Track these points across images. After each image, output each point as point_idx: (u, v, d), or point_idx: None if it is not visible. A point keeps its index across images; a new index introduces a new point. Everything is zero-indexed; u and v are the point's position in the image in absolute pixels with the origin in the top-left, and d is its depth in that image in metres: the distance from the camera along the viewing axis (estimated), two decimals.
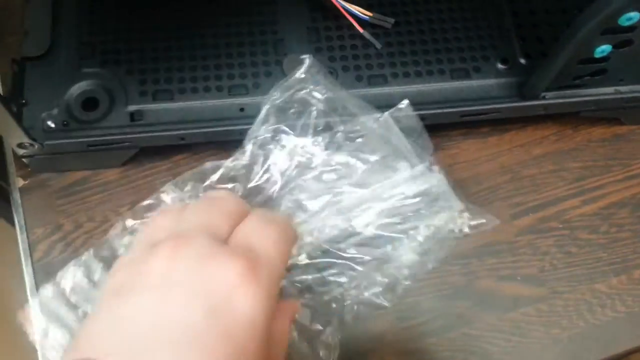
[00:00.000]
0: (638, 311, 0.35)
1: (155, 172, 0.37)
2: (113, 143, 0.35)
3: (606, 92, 0.36)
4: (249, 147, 0.33)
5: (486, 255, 0.36)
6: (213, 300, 0.23)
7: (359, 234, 0.34)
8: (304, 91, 0.35)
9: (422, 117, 0.36)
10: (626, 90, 0.37)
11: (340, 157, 0.34)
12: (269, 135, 0.34)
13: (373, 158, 0.34)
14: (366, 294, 0.33)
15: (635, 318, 0.35)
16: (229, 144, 0.36)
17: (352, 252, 0.34)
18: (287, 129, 0.34)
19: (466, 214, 0.34)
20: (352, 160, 0.34)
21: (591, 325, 0.35)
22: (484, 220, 0.34)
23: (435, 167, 0.34)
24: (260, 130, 0.34)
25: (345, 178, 0.34)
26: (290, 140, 0.34)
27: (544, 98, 0.36)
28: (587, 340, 0.34)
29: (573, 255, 0.36)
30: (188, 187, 0.33)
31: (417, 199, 0.34)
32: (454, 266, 0.36)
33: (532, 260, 0.36)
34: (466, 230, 0.34)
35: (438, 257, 0.34)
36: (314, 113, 0.35)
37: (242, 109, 0.36)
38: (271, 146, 0.34)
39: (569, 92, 0.36)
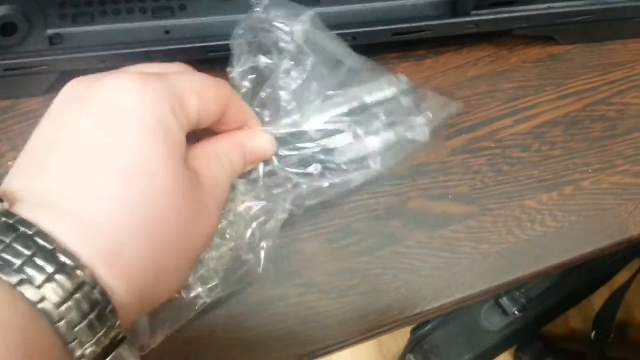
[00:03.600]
0: (568, 226, 0.36)
1: None
2: (31, 66, 0.34)
3: (538, 7, 0.36)
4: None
5: (418, 175, 0.36)
6: (105, 110, 0.23)
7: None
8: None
9: (353, 37, 0.35)
10: (558, 5, 0.36)
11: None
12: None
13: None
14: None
15: (565, 232, 0.36)
16: None
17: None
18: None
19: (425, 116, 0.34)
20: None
21: (520, 240, 0.35)
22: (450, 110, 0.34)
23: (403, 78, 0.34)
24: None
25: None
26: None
27: (474, 15, 0.36)
28: (516, 254, 0.35)
29: (504, 174, 0.37)
30: None
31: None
32: (386, 187, 0.36)
33: (463, 179, 0.36)
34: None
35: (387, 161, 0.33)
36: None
37: (167, 32, 0.35)
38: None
39: (500, 9, 0.36)
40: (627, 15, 0.38)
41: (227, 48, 0.34)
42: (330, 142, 0.32)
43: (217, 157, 0.28)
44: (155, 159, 0.23)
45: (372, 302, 0.33)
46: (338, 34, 0.35)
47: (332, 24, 0.35)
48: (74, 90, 0.25)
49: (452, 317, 0.83)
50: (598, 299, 0.96)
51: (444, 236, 0.35)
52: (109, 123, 0.23)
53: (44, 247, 0.19)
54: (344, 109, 0.33)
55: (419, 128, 0.34)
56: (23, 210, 0.20)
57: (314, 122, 0.32)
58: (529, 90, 0.39)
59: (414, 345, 0.85)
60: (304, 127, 0.32)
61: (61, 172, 0.22)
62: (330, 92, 0.33)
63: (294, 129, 0.32)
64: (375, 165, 0.33)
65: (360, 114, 0.33)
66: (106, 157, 0.22)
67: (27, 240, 0.19)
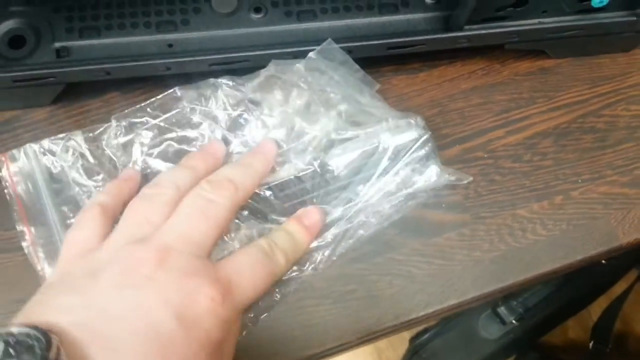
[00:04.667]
0: (559, 234, 0.37)
1: (86, 110, 0.37)
2: (39, 78, 0.35)
3: (529, 23, 0.37)
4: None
5: None
6: (182, 310, 0.25)
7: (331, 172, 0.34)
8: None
9: (350, 50, 0.37)
10: (549, 21, 0.38)
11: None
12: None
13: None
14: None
15: (556, 241, 0.36)
16: (159, 82, 0.37)
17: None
18: None
19: (443, 175, 0.35)
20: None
21: (512, 247, 0.36)
22: (455, 178, 0.36)
23: (420, 122, 0.35)
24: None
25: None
26: None
27: (467, 30, 0.37)
28: (508, 261, 0.36)
29: (496, 183, 0.38)
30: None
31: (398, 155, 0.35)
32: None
33: (457, 188, 0.37)
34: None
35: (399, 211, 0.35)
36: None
37: (170, 45, 0.37)
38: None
39: (492, 24, 0.37)
40: (616, 31, 0.39)
41: (228, 61, 0.36)
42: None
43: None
44: None
45: (368, 308, 0.34)
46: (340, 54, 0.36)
47: (328, 37, 0.37)
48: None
49: (450, 326, 0.84)
50: (597, 309, 0.97)
51: (437, 244, 0.36)
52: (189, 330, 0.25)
53: None
54: (364, 149, 0.34)
55: (431, 176, 0.35)
56: None
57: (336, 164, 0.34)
58: (521, 102, 0.40)
59: (412, 354, 0.86)
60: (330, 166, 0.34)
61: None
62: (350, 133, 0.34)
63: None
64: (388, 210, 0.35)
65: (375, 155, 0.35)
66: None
67: None
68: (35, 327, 0.21)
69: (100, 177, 0.34)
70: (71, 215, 0.33)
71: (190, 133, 0.34)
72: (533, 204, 0.37)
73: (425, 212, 0.37)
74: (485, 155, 0.38)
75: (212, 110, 0.35)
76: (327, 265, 0.34)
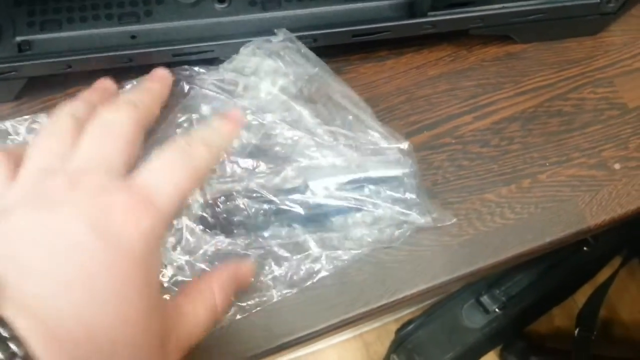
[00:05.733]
0: (527, 218, 0.37)
1: (50, 105, 0.37)
2: (1, 73, 0.34)
3: (493, 7, 0.37)
4: None
5: None
6: (100, 224, 0.24)
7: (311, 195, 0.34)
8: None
9: (315, 39, 0.37)
10: (512, 5, 0.38)
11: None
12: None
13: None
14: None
15: (524, 224, 0.37)
16: (125, 74, 0.36)
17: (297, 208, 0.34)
18: None
19: (422, 214, 0.35)
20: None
21: (481, 232, 0.36)
22: (439, 223, 0.35)
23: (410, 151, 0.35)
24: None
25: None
26: None
27: (431, 16, 0.37)
28: (477, 245, 0.36)
29: (465, 168, 0.38)
30: None
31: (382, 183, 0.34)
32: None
33: (425, 174, 0.37)
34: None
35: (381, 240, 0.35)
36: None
37: (133, 37, 0.36)
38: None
39: (456, 10, 0.37)
40: (580, 13, 0.40)
41: (192, 51, 0.36)
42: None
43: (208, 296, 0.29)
44: (132, 286, 0.24)
45: (337, 295, 0.34)
46: (299, 37, 0.36)
47: (293, 27, 0.36)
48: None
49: (435, 317, 0.84)
50: (582, 297, 0.97)
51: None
52: (100, 236, 0.24)
53: None
54: (348, 178, 0.34)
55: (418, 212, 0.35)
56: None
57: (317, 187, 0.33)
58: (488, 87, 0.40)
59: (397, 345, 0.86)
60: (308, 193, 0.33)
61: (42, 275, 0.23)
62: (338, 161, 0.34)
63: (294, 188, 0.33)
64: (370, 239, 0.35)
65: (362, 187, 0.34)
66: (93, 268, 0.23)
67: None
68: None
69: None
70: None
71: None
72: (501, 188, 0.37)
73: None
74: (453, 141, 0.38)
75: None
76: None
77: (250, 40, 0.35)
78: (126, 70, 0.36)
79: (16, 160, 0.27)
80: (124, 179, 0.26)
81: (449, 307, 0.84)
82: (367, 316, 0.35)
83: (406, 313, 1.03)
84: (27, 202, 0.25)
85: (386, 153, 0.35)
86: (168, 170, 0.27)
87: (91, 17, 0.36)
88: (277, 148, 0.34)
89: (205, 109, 0.34)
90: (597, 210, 0.37)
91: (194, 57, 0.36)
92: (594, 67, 0.41)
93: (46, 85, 0.37)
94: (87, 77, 0.37)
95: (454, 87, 0.40)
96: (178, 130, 0.34)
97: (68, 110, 0.29)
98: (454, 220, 0.36)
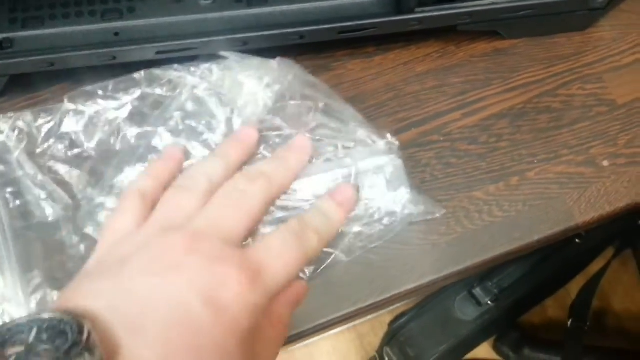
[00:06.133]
0: (515, 215, 0.37)
1: (33, 103, 0.37)
2: None
3: (481, 3, 0.37)
4: None
5: None
6: (210, 294, 0.25)
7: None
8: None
9: (301, 36, 0.36)
10: (501, 1, 0.37)
11: None
12: None
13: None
14: None
15: (512, 222, 0.37)
16: (109, 71, 0.36)
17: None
18: None
19: (411, 205, 0.35)
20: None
21: (469, 230, 0.36)
22: (429, 215, 0.35)
23: (395, 144, 0.35)
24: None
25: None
26: None
27: (419, 12, 0.36)
28: (465, 244, 0.36)
29: (453, 166, 0.37)
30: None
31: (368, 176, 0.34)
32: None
33: (413, 172, 0.37)
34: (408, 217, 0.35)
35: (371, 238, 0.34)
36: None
37: (116, 34, 0.36)
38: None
39: (444, 5, 0.37)
40: (569, 9, 0.39)
41: (175, 48, 0.35)
42: None
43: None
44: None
45: (325, 295, 0.34)
46: (285, 34, 0.36)
47: (279, 23, 0.36)
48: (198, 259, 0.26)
49: (427, 309, 0.84)
50: (575, 288, 0.98)
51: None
52: (211, 312, 0.25)
53: None
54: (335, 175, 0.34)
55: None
56: None
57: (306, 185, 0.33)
58: (476, 84, 0.40)
59: (390, 338, 0.86)
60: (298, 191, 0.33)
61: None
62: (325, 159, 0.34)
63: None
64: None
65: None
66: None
67: None
68: (68, 313, 0.21)
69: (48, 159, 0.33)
70: (14, 200, 0.32)
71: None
72: (489, 186, 0.37)
73: None
74: (442, 139, 0.38)
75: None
76: None
77: (234, 37, 0.35)
78: (113, 67, 0.36)
79: (153, 198, 0.30)
80: (239, 251, 0.27)
81: (442, 299, 0.84)
82: (355, 316, 0.35)
83: (400, 305, 1.03)
84: (145, 258, 0.26)
85: (372, 146, 0.35)
86: (280, 251, 0.28)
87: (74, 13, 0.36)
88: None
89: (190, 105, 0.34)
90: (585, 207, 0.37)
91: (177, 55, 0.35)
92: (583, 63, 0.41)
93: (30, 82, 0.37)
94: (72, 74, 0.37)
95: (442, 84, 0.39)
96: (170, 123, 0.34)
97: (206, 171, 0.30)
98: (444, 211, 0.36)
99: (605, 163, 0.38)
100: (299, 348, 1.06)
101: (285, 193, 0.33)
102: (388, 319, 0.95)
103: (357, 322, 1.07)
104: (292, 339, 0.33)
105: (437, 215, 0.36)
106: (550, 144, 0.38)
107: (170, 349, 0.23)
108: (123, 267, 0.25)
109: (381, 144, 0.35)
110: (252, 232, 0.30)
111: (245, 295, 0.26)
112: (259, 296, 0.26)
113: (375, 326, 1.06)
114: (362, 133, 0.35)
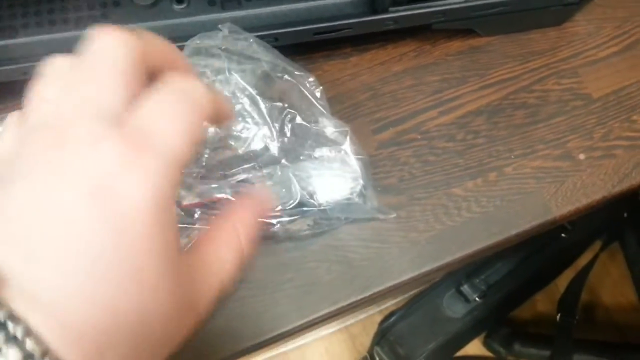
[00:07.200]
0: (493, 210, 0.37)
1: (10, 111, 0.36)
2: None
3: (455, 1, 0.37)
4: None
5: None
6: (94, 188, 0.20)
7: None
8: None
9: (276, 38, 0.36)
10: None
11: None
12: None
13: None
14: None
15: (490, 217, 0.37)
16: None
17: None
18: None
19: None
20: None
21: (447, 227, 0.36)
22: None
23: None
24: None
25: None
26: None
27: (393, 12, 0.37)
28: (444, 240, 0.36)
29: (431, 164, 0.38)
30: None
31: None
32: None
33: (392, 171, 0.37)
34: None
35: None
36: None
37: None
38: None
39: (418, 4, 0.37)
40: (543, 5, 0.40)
41: None
42: None
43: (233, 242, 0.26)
44: (147, 253, 0.21)
45: (306, 295, 0.34)
46: (260, 36, 0.36)
47: (254, 25, 0.36)
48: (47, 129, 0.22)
49: (416, 307, 0.84)
50: (564, 282, 0.99)
51: (374, 227, 0.36)
52: (99, 207, 0.21)
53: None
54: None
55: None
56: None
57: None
58: (453, 82, 0.40)
59: (380, 337, 0.86)
60: None
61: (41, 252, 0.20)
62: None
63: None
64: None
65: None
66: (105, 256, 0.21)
67: None
68: None
69: None
70: None
71: None
72: (467, 182, 0.37)
73: None
74: (419, 137, 0.38)
75: None
76: None
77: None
78: None
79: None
80: (120, 124, 0.22)
81: (430, 297, 0.84)
82: (337, 315, 0.35)
83: (391, 304, 1.03)
84: (22, 169, 0.21)
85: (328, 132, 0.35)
86: (171, 107, 0.23)
87: (47, 22, 0.35)
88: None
89: None
90: (562, 201, 0.37)
91: None
92: (558, 58, 0.41)
93: (7, 90, 0.36)
94: None
95: (418, 82, 0.40)
96: None
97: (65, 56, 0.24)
98: (394, 215, 0.36)
99: (582, 156, 0.39)
100: (291, 350, 1.06)
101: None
102: (379, 319, 0.95)
103: (350, 321, 1.07)
104: (272, 340, 0.33)
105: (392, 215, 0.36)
106: (527, 139, 0.39)
107: (70, 266, 0.20)
108: (3, 185, 0.21)
109: (337, 133, 0.35)
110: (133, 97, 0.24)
111: (134, 168, 0.21)
112: (158, 172, 0.21)
113: (367, 326, 1.06)
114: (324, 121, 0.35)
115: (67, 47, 0.35)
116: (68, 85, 0.23)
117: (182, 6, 0.36)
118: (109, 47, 0.23)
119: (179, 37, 0.36)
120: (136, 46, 0.24)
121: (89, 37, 0.24)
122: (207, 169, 0.33)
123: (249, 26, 0.36)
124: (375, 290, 0.35)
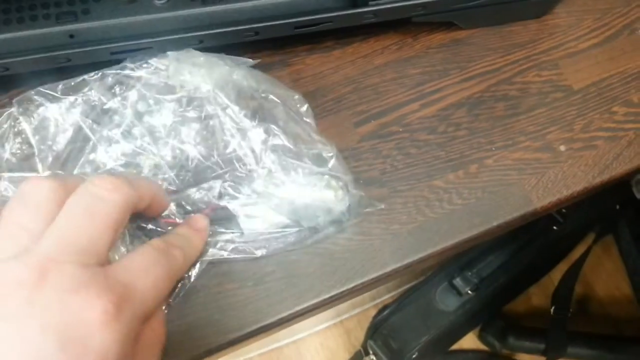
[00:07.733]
0: (474, 202, 0.37)
1: None
2: None
3: None
4: None
5: None
6: (68, 335, 0.22)
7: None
8: None
9: (257, 32, 0.36)
10: None
11: None
12: None
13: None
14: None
15: (471, 209, 0.37)
16: (68, 73, 0.36)
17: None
18: None
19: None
20: None
21: (429, 218, 0.37)
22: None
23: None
24: None
25: None
26: None
27: (373, 5, 0.37)
28: (426, 232, 0.36)
29: (413, 156, 0.38)
30: None
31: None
32: None
33: (374, 163, 0.37)
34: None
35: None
36: None
37: (71, 36, 0.36)
38: None
39: None
40: None
41: (130, 49, 0.35)
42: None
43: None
44: None
45: (288, 288, 0.34)
46: (239, 30, 0.36)
47: (234, 20, 0.36)
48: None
49: (409, 301, 0.85)
50: (558, 275, 0.99)
51: (356, 219, 0.36)
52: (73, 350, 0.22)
53: None
54: None
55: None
56: None
57: None
58: (434, 75, 0.40)
59: (373, 331, 0.87)
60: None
61: None
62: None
63: None
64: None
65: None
66: None
67: None
68: None
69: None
70: None
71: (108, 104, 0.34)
72: (449, 174, 0.38)
73: None
74: (401, 129, 0.39)
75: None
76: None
77: (190, 36, 0.35)
78: (72, 69, 0.36)
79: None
80: (100, 272, 0.24)
81: (423, 291, 0.85)
82: (320, 307, 0.36)
83: (385, 298, 1.04)
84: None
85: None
86: (146, 269, 0.26)
87: (28, 17, 0.36)
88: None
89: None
90: (543, 192, 0.38)
91: (132, 55, 0.35)
92: (539, 50, 0.42)
93: None
94: (29, 79, 0.37)
95: (400, 75, 0.40)
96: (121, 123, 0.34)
97: (49, 181, 0.26)
98: (382, 206, 0.36)
99: (562, 148, 0.39)
100: (287, 345, 1.06)
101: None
102: (374, 313, 0.96)
103: (344, 316, 1.08)
104: (257, 332, 0.34)
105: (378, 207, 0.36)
106: (508, 131, 0.39)
107: None
108: None
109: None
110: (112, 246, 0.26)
111: (110, 323, 0.22)
112: (128, 321, 0.23)
113: (362, 320, 1.07)
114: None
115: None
116: (56, 221, 0.24)
117: (163, 1, 0.37)
118: (105, 196, 0.25)
119: (159, 32, 0.36)
120: (131, 199, 0.27)
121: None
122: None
123: (230, 21, 0.36)
124: (358, 282, 0.35)
